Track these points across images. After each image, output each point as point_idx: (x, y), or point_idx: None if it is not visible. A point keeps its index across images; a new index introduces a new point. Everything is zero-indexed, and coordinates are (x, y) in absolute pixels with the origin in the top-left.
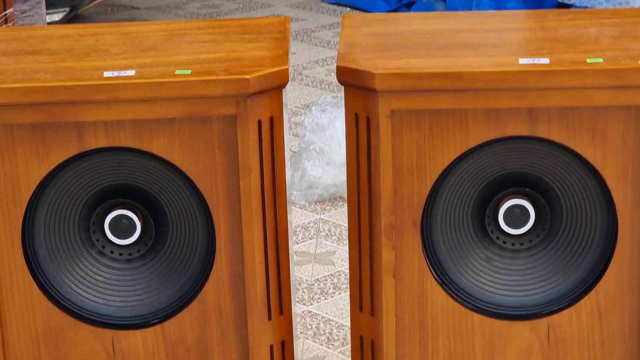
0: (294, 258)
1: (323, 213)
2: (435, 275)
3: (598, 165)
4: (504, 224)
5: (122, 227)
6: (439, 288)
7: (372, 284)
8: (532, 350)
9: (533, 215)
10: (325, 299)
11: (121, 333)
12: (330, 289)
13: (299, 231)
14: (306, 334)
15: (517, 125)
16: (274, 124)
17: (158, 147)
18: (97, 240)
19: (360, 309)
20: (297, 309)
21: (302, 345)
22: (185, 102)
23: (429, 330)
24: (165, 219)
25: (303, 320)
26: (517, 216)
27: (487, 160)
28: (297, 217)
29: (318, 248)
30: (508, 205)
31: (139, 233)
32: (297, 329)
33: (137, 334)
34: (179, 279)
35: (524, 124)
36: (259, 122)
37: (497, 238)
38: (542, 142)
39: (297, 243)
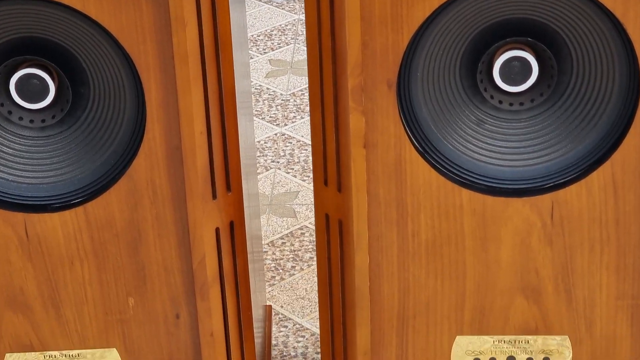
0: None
1: (303, 13)
2: (415, 143)
3: (618, 11)
4: (500, 80)
5: (32, 89)
6: (420, 158)
7: (338, 156)
8: (532, 231)
9: (536, 69)
10: (302, 117)
11: (35, 216)
12: (307, 105)
13: (275, 35)
14: (278, 162)
15: None
16: None
17: None
18: (2, 104)
19: (325, 184)
20: (270, 132)
21: (274, 177)
22: None
23: (409, 208)
24: (85, 79)
25: (275, 145)
26: (516, 70)
27: (479, 4)
28: (274, 17)
29: (296, 55)
30: (505, 58)
31: (52, 95)
32: (267, 155)
33: (55, 217)
34: (103, 150)
35: None
36: None
37: (492, 97)
38: None
39: (273, 49)
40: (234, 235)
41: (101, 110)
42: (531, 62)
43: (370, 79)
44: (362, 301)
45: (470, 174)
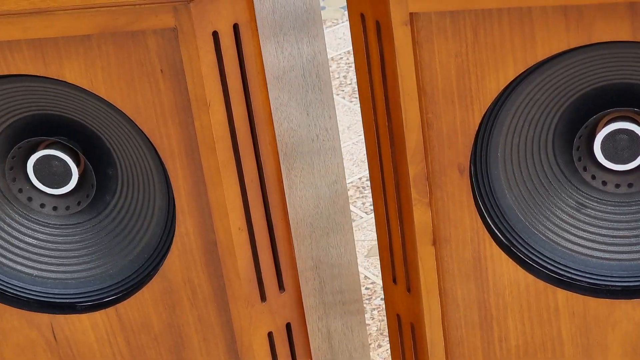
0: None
1: None
2: (498, 236)
3: None
4: (602, 157)
5: (53, 171)
6: (503, 254)
7: (405, 254)
8: None
9: None
10: None
11: (62, 318)
12: None
13: None
14: None
15: (612, 26)
16: (242, 33)
17: (72, 73)
18: (20, 190)
19: (394, 282)
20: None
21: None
22: (97, 12)
23: (493, 311)
24: (111, 160)
25: None
26: (623, 145)
27: (569, 72)
28: None
29: None
30: (609, 131)
31: (76, 179)
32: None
33: (84, 318)
34: (135, 243)
35: (624, 23)
36: (215, 34)
37: (594, 177)
38: None
39: None
40: (291, 338)
41: (131, 196)
42: (639, 135)
43: (438, 164)
44: None
45: (568, 270)
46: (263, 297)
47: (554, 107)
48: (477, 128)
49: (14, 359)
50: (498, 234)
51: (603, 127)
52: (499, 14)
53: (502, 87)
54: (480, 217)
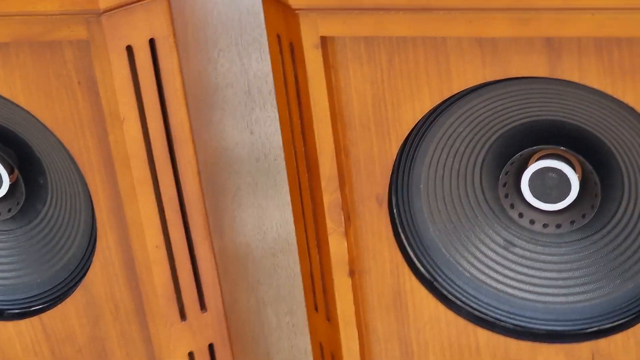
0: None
1: None
2: (419, 270)
3: None
4: (530, 195)
5: None
6: (424, 289)
7: (324, 283)
8: None
9: (576, 185)
10: None
11: None
12: None
13: None
14: None
15: (528, 61)
16: (158, 48)
17: None
18: None
19: (316, 309)
20: None
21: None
22: (11, 20)
23: (414, 346)
24: (41, 169)
25: None
26: (552, 184)
27: (492, 106)
28: None
29: None
30: (537, 168)
31: (7, 186)
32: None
33: (10, 326)
34: (62, 253)
35: (540, 60)
36: (129, 48)
37: (521, 215)
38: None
39: None
40: (214, 358)
41: (60, 206)
42: (569, 176)
43: (356, 193)
44: None
45: (491, 309)
46: (183, 316)
47: (480, 140)
48: (394, 158)
49: None
50: (420, 267)
51: (531, 165)
52: (414, 43)
53: (418, 118)
54: (400, 250)
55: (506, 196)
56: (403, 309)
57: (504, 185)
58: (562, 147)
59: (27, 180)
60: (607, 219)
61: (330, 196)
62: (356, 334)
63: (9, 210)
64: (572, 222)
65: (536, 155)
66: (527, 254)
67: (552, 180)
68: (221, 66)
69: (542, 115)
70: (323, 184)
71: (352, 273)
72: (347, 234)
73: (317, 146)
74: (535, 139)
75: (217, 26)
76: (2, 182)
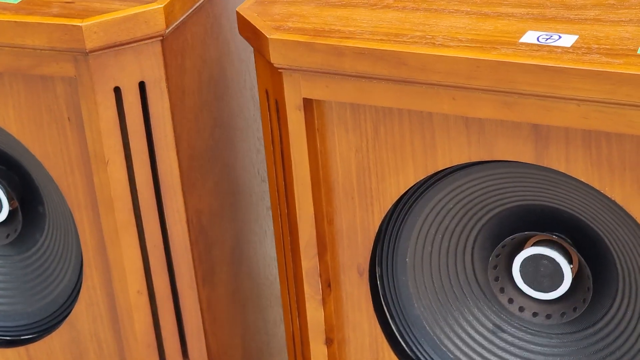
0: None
1: None
2: (400, 347)
3: None
4: (522, 281)
5: None
6: None
7: (302, 348)
8: None
9: (569, 276)
10: None
11: None
12: None
13: None
14: None
15: (515, 146)
16: (149, 92)
17: None
18: None
19: None
20: None
21: None
22: (2, 50)
23: None
24: (40, 199)
25: None
26: (545, 273)
27: (483, 185)
28: None
29: None
30: (528, 254)
31: (6, 212)
32: None
33: None
34: (54, 285)
35: (527, 146)
36: (117, 90)
37: (511, 301)
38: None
39: None
40: None
41: (56, 238)
42: (562, 266)
43: (338, 261)
44: None
45: None
46: None
47: (471, 219)
48: (377, 230)
49: None
50: (401, 343)
51: (523, 250)
52: (400, 114)
53: (402, 191)
54: (381, 323)
55: (496, 279)
56: None
57: (495, 267)
58: (554, 235)
59: (27, 208)
60: (600, 315)
61: (308, 262)
62: None
63: (7, 236)
64: (563, 314)
65: (532, 240)
66: (516, 341)
67: (544, 268)
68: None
69: (535, 200)
70: (302, 249)
71: (329, 341)
72: (325, 301)
73: (297, 210)
74: (530, 223)
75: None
76: (1, 208)
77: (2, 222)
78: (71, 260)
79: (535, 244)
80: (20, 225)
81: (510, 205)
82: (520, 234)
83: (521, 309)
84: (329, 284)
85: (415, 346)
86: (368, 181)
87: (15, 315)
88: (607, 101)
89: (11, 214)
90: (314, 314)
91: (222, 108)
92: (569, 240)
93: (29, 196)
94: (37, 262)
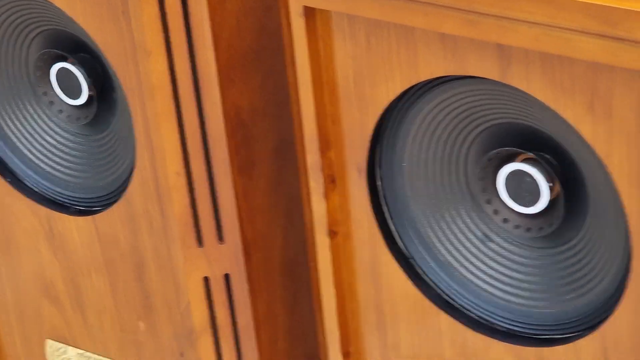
0: None
1: None
2: (395, 245)
3: (601, 150)
4: (506, 194)
5: (70, 83)
6: (396, 264)
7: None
8: None
9: (546, 194)
10: None
11: (57, 215)
12: None
13: None
14: None
15: (482, 63)
16: None
17: None
18: (45, 93)
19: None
20: None
21: None
22: None
23: (387, 317)
24: (114, 86)
25: None
26: (527, 189)
27: (469, 100)
28: None
29: None
30: (511, 170)
31: (86, 95)
32: None
33: (71, 220)
34: (120, 164)
35: (493, 63)
36: None
37: (496, 212)
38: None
39: None
40: (230, 288)
41: (123, 122)
42: (540, 184)
43: (340, 159)
44: None
45: (458, 297)
46: (200, 243)
47: (462, 132)
48: (371, 133)
49: (22, 240)
50: (398, 243)
51: (504, 166)
52: (387, 27)
53: (391, 99)
54: (379, 222)
55: (484, 190)
56: (378, 278)
57: (482, 179)
58: (536, 154)
59: (104, 94)
60: (574, 234)
61: (313, 157)
62: (333, 293)
63: (86, 117)
64: (541, 229)
65: (520, 157)
66: (502, 251)
67: (526, 185)
68: None
69: (518, 119)
70: (306, 144)
71: (333, 234)
72: (327, 196)
73: (302, 108)
74: (516, 141)
75: None
76: (82, 92)
77: (82, 105)
78: (133, 140)
79: (523, 161)
80: (96, 109)
81: (497, 122)
82: (503, 149)
83: (505, 220)
84: (332, 180)
85: (411, 247)
86: (362, 87)
87: (88, 189)
88: (552, 25)
89: (90, 98)
90: (318, 207)
91: (271, 17)
92: (550, 160)
93: (106, 83)
94: (109, 143)
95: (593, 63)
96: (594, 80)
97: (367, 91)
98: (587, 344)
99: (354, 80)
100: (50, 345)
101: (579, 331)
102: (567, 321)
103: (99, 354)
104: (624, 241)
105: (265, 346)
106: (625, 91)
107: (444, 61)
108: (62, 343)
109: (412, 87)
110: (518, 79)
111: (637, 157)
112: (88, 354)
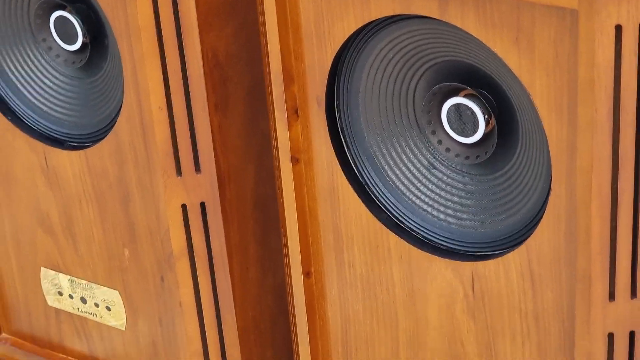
0: None
1: None
2: (351, 171)
3: (525, 80)
4: (448, 125)
5: (68, 30)
6: (350, 188)
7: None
8: (455, 297)
9: (483, 124)
10: None
11: (52, 150)
12: None
13: None
14: None
15: (424, 2)
16: None
17: None
18: (44, 39)
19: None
20: None
21: None
22: None
23: (344, 237)
24: (106, 32)
25: None
26: (466, 120)
27: (416, 39)
28: None
29: None
30: (452, 104)
31: (80, 41)
32: None
33: (64, 154)
34: (110, 102)
35: (433, 2)
36: None
37: (440, 142)
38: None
39: None
40: (206, 215)
41: (113, 65)
42: (478, 115)
43: (302, 93)
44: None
45: (405, 219)
46: (179, 172)
47: (410, 69)
48: (329, 68)
49: (20, 174)
50: (354, 170)
51: (448, 100)
52: None
53: (346, 36)
54: (336, 152)
55: (429, 123)
56: (335, 202)
57: (428, 112)
58: (474, 89)
59: (95, 39)
60: (507, 161)
61: (277, 90)
62: (295, 216)
63: (80, 61)
64: (477, 157)
65: (462, 93)
66: (445, 178)
67: (465, 117)
68: None
69: (459, 56)
70: (272, 77)
71: (295, 161)
72: (290, 125)
73: (269, 47)
74: (459, 77)
75: None
76: (77, 39)
77: (77, 50)
78: (122, 82)
79: (463, 97)
80: (89, 54)
81: (442, 60)
82: (446, 83)
83: (447, 149)
84: (295, 111)
85: (366, 172)
86: (322, 26)
87: (81, 126)
88: None
89: (84, 44)
90: (282, 136)
91: None
92: (487, 96)
93: (99, 31)
94: (100, 85)
95: (518, 0)
96: (519, 16)
97: (325, 30)
98: (514, 258)
99: (314, 21)
100: (44, 272)
101: (508, 247)
102: (499, 239)
103: (88, 280)
104: (547, 165)
105: (237, 273)
106: (545, 26)
107: (392, 1)
108: (55, 270)
109: (365, 26)
110: (455, 17)
111: (554, 85)
112: (78, 280)
